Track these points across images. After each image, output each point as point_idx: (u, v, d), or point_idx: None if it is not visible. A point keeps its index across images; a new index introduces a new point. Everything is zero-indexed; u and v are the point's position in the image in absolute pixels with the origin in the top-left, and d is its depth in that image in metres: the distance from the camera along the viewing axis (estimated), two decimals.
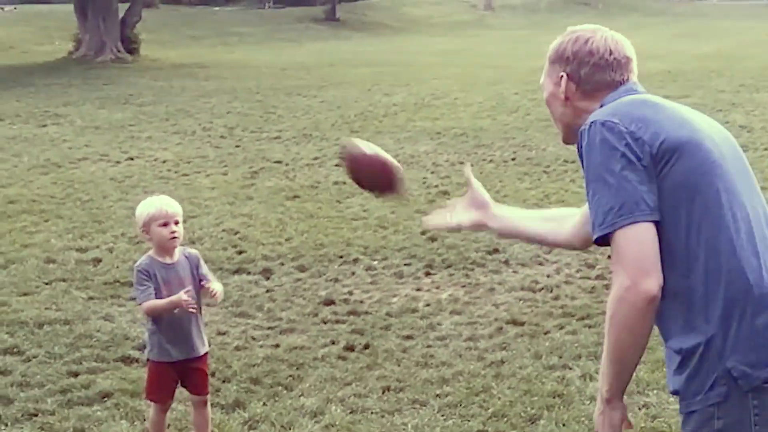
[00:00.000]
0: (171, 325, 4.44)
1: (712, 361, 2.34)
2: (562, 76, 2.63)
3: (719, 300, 2.32)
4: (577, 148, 2.45)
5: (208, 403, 4.75)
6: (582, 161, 2.42)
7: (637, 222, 2.29)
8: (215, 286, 4.54)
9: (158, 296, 4.40)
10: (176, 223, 4.46)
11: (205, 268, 4.61)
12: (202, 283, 4.53)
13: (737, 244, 2.33)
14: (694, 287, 2.34)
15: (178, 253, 4.53)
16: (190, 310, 4.35)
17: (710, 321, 2.33)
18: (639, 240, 2.29)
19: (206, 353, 4.65)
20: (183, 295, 4.30)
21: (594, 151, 2.36)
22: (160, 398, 4.60)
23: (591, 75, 2.59)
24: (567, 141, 2.73)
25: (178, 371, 4.54)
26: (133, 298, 6.90)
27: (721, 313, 2.32)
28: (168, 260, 4.48)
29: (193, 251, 4.68)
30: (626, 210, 2.29)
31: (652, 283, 2.28)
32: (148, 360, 4.65)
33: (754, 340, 2.32)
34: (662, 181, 2.34)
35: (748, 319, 2.32)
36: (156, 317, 4.43)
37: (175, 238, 4.45)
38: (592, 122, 2.39)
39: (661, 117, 2.41)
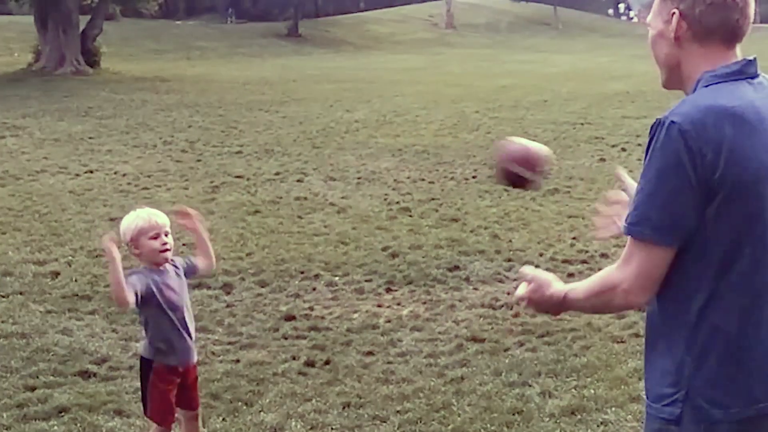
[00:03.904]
0: (163, 329, 4.31)
1: (679, 379, 2.40)
2: (674, 13, 2.44)
3: (707, 333, 2.37)
4: (650, 132, 2.37)
5: (200, 417, 4.69)
6: (648, 147, 2.36)
7: (664, 245, 2.34)
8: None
9: (156, 300, 4.24)
10: (166, 234, 4.31)
11: (190, 260, 4.54)
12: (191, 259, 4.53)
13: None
14: (691, 312, 2.39)
15: (167, 265, 4.39)
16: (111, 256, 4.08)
17: (692, 348, 2.39)
18: (656, 262, 2.36)
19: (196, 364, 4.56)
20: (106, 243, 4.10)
21: (661, 154, 2.31)
22: (169, 416, 4.33)
23: (706, 15, 2.41)
24: (667, 86, 2.59)
25: (177, 377, 4.37)
26: (92, 312, 6.90)
27: (703, 347, 2.38)
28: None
29: (179, 259, 4.51)
30: (660, 230, 2.32)
31: (643, 300, 2.42)
32: (150, 367, 4.35)
33: (721, 382, 2.37)
34: (716, 215, 2.32)
35: (725, 361, 2.37)
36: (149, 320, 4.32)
37: (166, 250, 4.30)
38: (672, 123, 2.30)
39: (744, 144, 2.32)
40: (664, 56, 2.52)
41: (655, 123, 2.35)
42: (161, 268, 4.35)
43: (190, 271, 4.50)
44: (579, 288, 2.56)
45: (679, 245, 2.34)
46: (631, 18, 71.41)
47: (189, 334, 4.39)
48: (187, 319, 4.39)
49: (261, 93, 23.36)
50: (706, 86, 2.41)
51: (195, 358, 4.48)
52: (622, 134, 16.00)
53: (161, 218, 4.36)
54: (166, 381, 4.33)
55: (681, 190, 2.29)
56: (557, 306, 2.64)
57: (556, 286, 2.63)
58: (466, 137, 16.04)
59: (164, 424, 4.39)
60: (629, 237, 2.38)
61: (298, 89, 24.37)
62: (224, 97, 22.41)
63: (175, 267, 4.45)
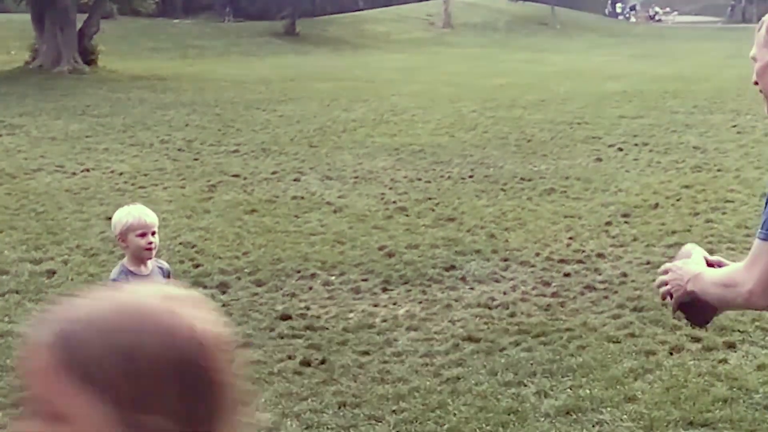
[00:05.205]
0: None
1: None
2: None
3: None
4: None
5: None
6: None
7: None
8: None
9: None
10: (153, 233, 4.48)
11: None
12: None
13: None
14: None
15: (151, 264, 4.55)
16: None
17: None
18: None
19: None
20: None
21: None
22: None
23: None
24: None
25: None
26: None
27: None
28: (143, 271, 4.50)
29: (165, 264, 4.73)
30: None
31: (766, 303, 2.49)
32: None
33: None
34: None
35: None
36: None
37: (151, 249, 4.47)
38: None
39: None
40: None
41: None
42: (143, 266, 4.52)
43: None
44: (711, 273, 2.61)
45: None
46: (629, 18, 71.32)
47: None
48: None
49: (258, 92, 23.33)
50: None
51: None
52: (619, 134, 15.99)
53: (150, 217, 4.52)
54: None
55: None
56: (689, 280, 2.65)
57: (695, 265, 2.68)
58: (463, 136, 16.03)
59: None
60: (758, 240, 2.44)
61: (295, 88, 24.36)
62: (221, 95, 22.38)
63: (161, 269, 4.62)
